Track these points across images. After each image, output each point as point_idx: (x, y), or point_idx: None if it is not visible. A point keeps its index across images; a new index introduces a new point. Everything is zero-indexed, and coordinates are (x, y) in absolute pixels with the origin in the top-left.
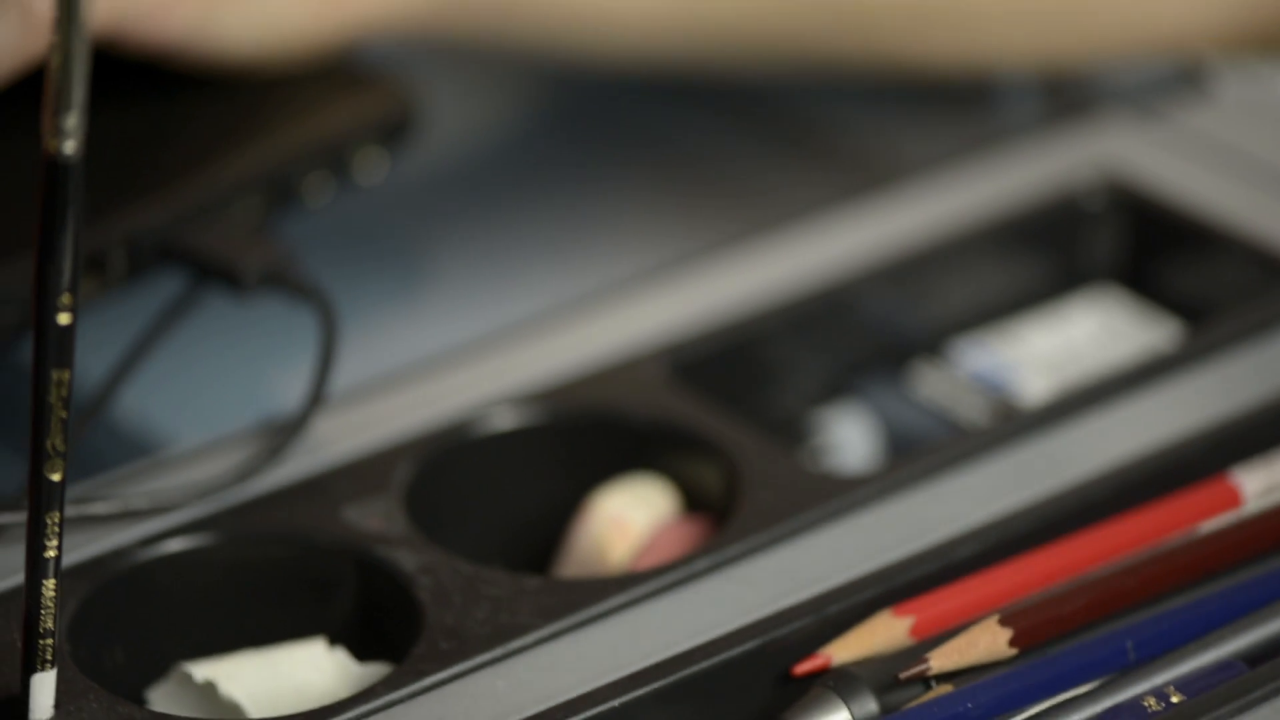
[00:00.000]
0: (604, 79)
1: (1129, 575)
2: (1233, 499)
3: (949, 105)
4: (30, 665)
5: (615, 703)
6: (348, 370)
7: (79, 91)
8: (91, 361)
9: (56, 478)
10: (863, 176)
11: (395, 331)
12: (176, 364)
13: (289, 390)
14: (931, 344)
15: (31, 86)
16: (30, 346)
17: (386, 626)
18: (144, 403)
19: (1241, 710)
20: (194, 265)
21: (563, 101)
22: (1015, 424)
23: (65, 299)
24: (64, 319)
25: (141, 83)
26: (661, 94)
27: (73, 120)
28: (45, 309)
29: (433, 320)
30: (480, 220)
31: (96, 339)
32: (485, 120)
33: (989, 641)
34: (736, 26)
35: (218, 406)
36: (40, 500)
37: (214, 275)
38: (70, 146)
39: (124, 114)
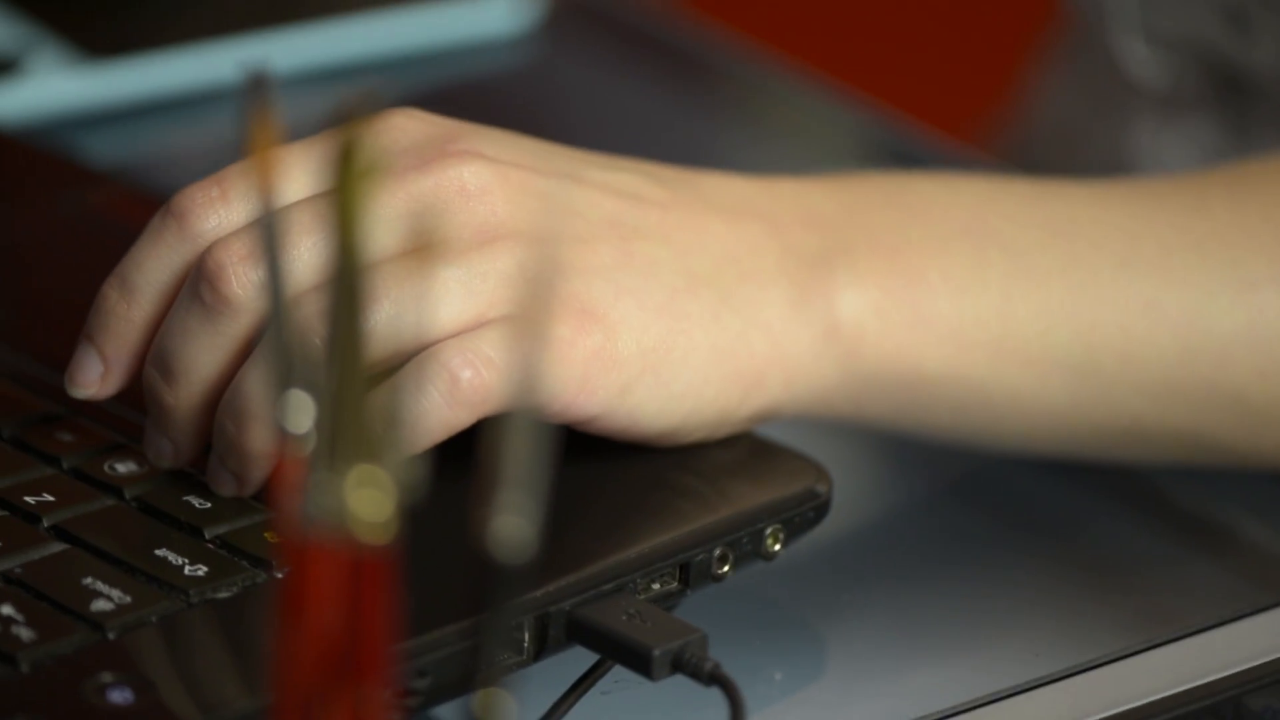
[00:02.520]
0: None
1: None
2: None
3: None
4: None
5: None
6: None
7: (526, 474)
8: None
9: None
10: (1261, 577)
11: (799, 714)
12: None
13: None
14: None
15: (450, 455)
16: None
17: None
18: None
19: None
20: (600, 645)
21: (959, 476)
22: None
23: (491, 677)
24: (490, 701)
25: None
26: (1059, 475)
27: (519, 505)
28: (473, 688)
29: (838, 702)
30: (881, 600)
31: None
32: (884, 492)
33: None
34: (1143, 421)
35: None
36: None
37: (620, 657)
38: (512, 530)
39: None
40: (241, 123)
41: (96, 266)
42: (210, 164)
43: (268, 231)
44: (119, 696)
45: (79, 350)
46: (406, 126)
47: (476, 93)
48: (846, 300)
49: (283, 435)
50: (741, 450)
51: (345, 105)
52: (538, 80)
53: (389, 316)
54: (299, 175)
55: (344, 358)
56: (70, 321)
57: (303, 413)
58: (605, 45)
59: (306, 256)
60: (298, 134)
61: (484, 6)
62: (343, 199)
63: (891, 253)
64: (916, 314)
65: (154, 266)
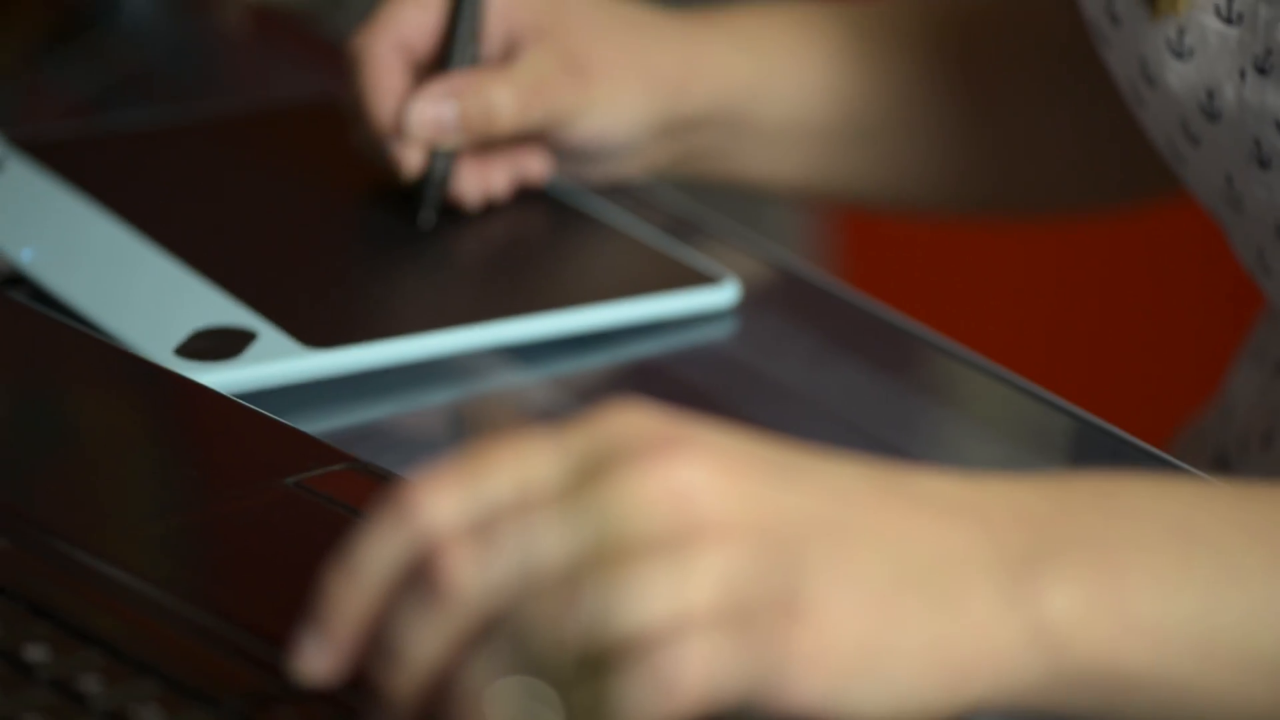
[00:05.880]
0: None
1: None
2: None
3: None
4: None
5: None
6: None
7: None
8: None
9: None
10: None
11: None
12: None
13: None
14: None
15: None
16: None
17: None
18: None
19: None
20: None
21: None
22: None
23: None
24: None
25: None
26: None
27: None
28: None
29: None
30: None
31: None
32: None
33: None
34: None
35: None
36: None
37: None
38: None
39: None
40: (468, 415)
41: (320, 544)
42: (431, 435)
43: (494, 527)
44: None
45: (304, 633)
46: (626, 424)
47: (683, 371)
48: (1054, 600)
49: None
50: None
51: (572, 412)
52: (742, 358)
53: (604, 613)
54: (523, 470)
55: (563, 653)
56: (295, 598)
57: (522, 705)
58: (805, 323)
59: (529, 552)
60: (518, 415)
61: (699, 294)
62: (566, 501)
63: (1099, 553)
64: (1123, 614)
65: (380, 556)
